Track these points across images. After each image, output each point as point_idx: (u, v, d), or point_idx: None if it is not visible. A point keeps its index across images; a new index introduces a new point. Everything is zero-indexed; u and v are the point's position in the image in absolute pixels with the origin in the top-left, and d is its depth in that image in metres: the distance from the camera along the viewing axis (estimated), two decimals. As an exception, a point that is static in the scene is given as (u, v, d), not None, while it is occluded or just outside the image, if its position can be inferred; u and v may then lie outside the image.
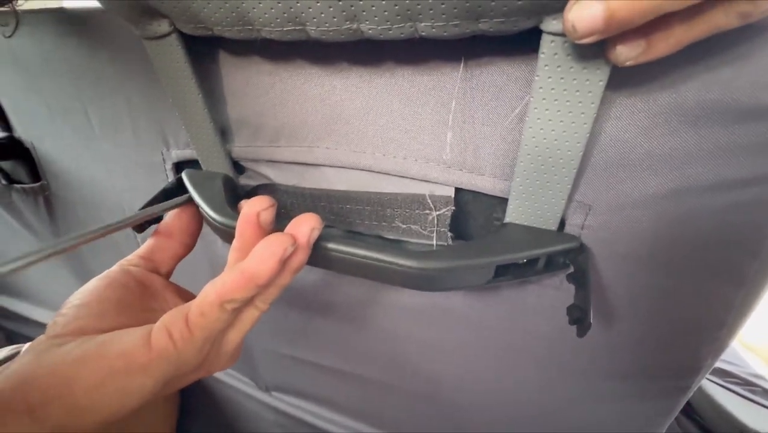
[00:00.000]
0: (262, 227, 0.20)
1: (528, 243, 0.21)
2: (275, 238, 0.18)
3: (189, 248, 0.26)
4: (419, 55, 0.21)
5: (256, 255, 0.18)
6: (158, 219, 0.28)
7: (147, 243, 0.25)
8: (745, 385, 0.40)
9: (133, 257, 0.24)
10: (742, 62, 0.16)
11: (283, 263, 0.19)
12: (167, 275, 0.25)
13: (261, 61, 0.25)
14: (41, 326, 0.60)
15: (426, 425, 0.39)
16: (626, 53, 0.15)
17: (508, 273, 0.22)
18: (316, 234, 0.20)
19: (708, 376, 0.42)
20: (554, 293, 0.25)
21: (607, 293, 0.23)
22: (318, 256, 0.21)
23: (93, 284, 0.22)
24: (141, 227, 0.27)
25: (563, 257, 0.22)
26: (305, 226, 0.19)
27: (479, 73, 0.20)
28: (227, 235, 0.24)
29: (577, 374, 0.28)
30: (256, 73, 0.25)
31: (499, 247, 0.21)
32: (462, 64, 0.20)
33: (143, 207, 0.27)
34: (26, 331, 0.65)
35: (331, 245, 0.21)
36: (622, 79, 0.18)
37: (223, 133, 0.28)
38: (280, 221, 0.22)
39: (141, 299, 0.22)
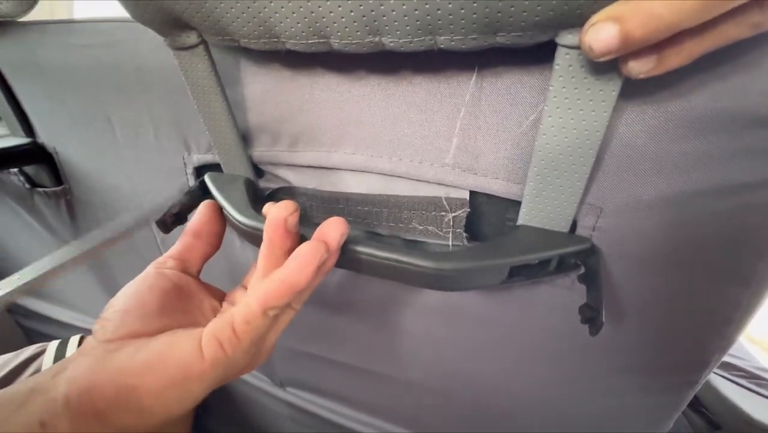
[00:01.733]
0: (289, 231, 0.21)
1: (540, 245, 0.22)
2: (311, 247, 0.20)
3: (216, 247, 0.27)
4: (436, 64, 0.22)
5: (294, 264, 0.19)
6: (183, 220, 0.29)
7: (177, 244, 0.26)
8: (751, 378, 0.41)
9: (165, 258, 0.25)
10: (751, 71, 0.17)
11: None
12: (197, 274, 0.27)
13: (282, 69, 0.25)
14: (60, 325, 0.62)
15: (439, 420, 0.40)
16: (639, 68, 0.15)
17: (521, 273, 0.23)
18: (343, 239, 0.21)
19: (715, 369, 0.43)
20: (566, 292, 0.26)
21: (618, 292, 0.24)
22: (341, 257, 0.22)
23: (133, 288, 0.23)
24: (167, 227, 0.28)
25: (575, 258, 0.23)
26: (335, 232, 0.20)
27: (494, 81, 0.21)
28: (252, 237, 0.25)
29: (588, 370, 0.29)
30: (278, 81, 0.26)
31: (513, 248, 0.21)
32: (475, 73, 0.21)
33: (171, 210, 0.29)
34: (45, 329, 0.67)
35: (353, 247, 0.22)
36: (634, 88, 0.18)
37: (245, 137, 0.29)
38: (300, 223, 0.23)
39: (179, 300, 0.23)
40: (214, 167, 0.31)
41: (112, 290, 0.52)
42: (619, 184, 0.21)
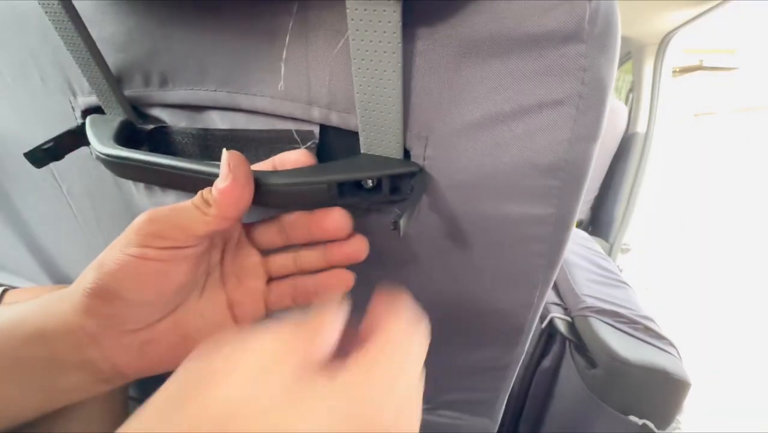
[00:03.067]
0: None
1: (369, 167, 0.24)
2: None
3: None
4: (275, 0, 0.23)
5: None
6: (58, 158, 0.30)
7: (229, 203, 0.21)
8: (630, 323, 0.45)
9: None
10: None
11: None
12: None
13: (142, 7, 0.26)
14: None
15: None
16: None
17: (356, 195, 0.25)
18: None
19: (600, 317, 0.47)
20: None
21: (452, 219, 0.26)
22: (179, 182, 0.24)
23: (118, 283, 0.21)
24: (39, 162, 0.29)
25: (408, 181, 0.25)
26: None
27: (318, 13, 0.22)
28: (112, 164, 0.26)
29: (444, 292, 0.31)
30: (140, 19, 0.27)
31: (341, 168, 0.23)
32: (296, 3, 0.22)
33: (44, 144, 0.29)
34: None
35: (181, 164, 0.24)
36: (427, 16, 0.20)
37: (121, 79, 0.30)
38: (179, 159, 0.25)
39: (167, 279, 0.23)
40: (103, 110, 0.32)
41: (32, 247, 0.53)
42: (435, 113, 0.23)
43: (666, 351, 0.41)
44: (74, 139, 0.31)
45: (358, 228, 0.29)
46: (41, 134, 0.37)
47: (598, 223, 1.95)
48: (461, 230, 0.27)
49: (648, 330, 0.44)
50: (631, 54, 1.79)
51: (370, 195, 0.25)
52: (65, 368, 0.21)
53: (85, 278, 0.20)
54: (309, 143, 0.26)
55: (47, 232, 0.49)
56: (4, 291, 0.47)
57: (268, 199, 0.23)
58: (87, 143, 0.31)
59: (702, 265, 2.21)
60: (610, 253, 1.83)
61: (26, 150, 0.33)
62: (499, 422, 0.39)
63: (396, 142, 0.24)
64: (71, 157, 0.33)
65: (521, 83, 0.21)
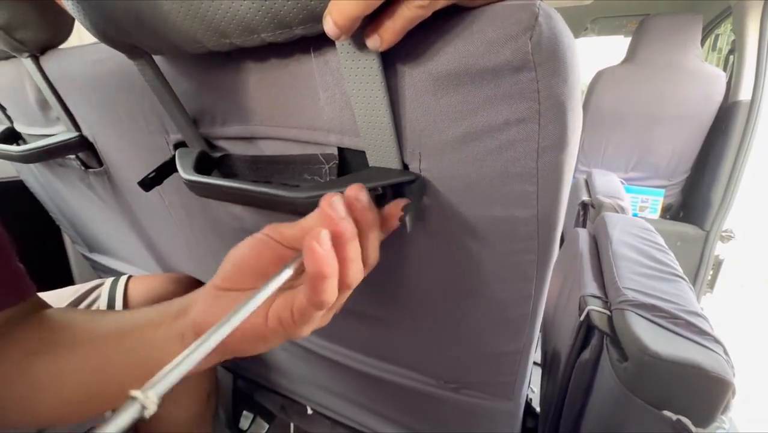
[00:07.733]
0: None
1: (375, 178, 0.29)
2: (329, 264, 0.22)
3: None
4: (296, 54, 0.30)
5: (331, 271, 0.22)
6: (159, 182, 0.41)
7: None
8: (671, 318, 0.43)
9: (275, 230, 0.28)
10: (468, 36, 0.22)
11: None
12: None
13: (204, 69, 0.35)
14: (116, 271, 0.81)
15: (366, 341, 0.48)
16: (371, 44, 0.22)
17: None
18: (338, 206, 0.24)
19: (637, 311, 0.46)
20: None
21: (449, 221, 0.30)
22: (235, 195, 0.32)
23: (247, 250, 0.27)
24: (147, 186, 0.40)
25: (407, 190, 0.30)
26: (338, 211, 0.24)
27: (331, 59, 0.28)
28: (193, 187, 0.35)
29: (445, 283, 0.35)
30: (205, 76, 0.35)
31: (351, 181, 0.29)
32: (312, 57, 0.28)
33: (149, 174, 0.40)
34: (108, 274, 0.87)
35: (242, 187, 0.32)
36: (406, 58, 0.25)
37: (196, 120, 0.39)
38: (240, 182, 0.33)
39: (272, 265, 0.27)
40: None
41: (149, 246, 0.68)
42: (423, 132, 0.27)
43: (707, 348, 0.39)
44: (169, 168, 0.42)
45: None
46: (147, 162, 0.49)
47: (690, 207, 1.72)
48: (459, 228, 0.31)
49: (690, 326, 0.42)
50: (731, 9, 1.53)
51: (377, 201, 0.30)
52: (167, 348, 0.28)
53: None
54: (331, 163, 0.33)
55: (159, 235, 0.64)
56: (129, 277, 0.62)
57: (297, 210, 0.30)
58: (173, 168, 0.41)
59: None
60: (705, 241, 1.60)
61: (141, 174, 0.45)
62: (522, 405, 0.42)
63: (395, 157, 0.29)
64: (169, 180, 0.44)
65: (488, 106, 0.24)
